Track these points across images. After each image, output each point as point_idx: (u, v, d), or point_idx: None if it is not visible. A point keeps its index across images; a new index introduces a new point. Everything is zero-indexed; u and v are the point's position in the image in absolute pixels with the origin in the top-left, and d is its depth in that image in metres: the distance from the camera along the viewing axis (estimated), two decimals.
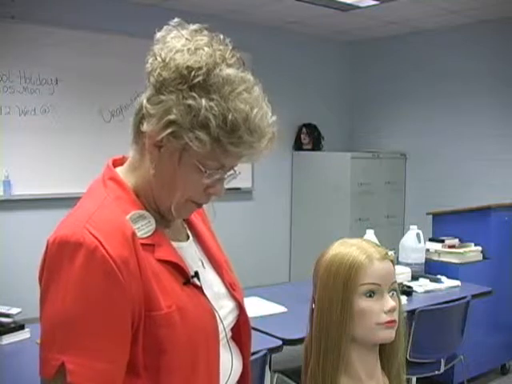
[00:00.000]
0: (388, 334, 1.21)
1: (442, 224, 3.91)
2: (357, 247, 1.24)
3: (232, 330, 1.20)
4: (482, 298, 3.28)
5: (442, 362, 3.02)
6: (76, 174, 4.69)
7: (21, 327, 2.24)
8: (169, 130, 0.98)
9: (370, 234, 3.18)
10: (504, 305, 3.86)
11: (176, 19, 1.05)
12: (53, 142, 4.64)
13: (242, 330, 1.21)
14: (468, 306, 3.06)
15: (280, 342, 2.33)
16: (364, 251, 1.22)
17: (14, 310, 2.29)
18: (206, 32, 1.04)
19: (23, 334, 2.23)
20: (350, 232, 5.36)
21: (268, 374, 2.32)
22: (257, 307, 2.73)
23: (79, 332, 0.94)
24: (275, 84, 5.80)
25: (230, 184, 1.13)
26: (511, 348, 3.98)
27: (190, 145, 0.98)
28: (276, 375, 2.72)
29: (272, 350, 2.27)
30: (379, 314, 1.20)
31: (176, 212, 1.07)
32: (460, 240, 3.78)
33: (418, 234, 3.54)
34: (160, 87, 1.00)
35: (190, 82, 0.97)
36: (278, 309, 2.76)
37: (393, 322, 1.21)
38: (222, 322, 1.10)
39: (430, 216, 4.02)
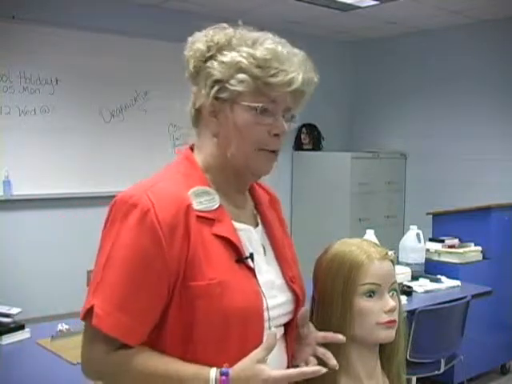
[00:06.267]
0: (388, 334, 1.21)
1: (442, 224, 3.91)
2: (357, 247, 1.24)
3: (285, 327, 1.18)
4: (482, 298, 3.28)
5: (442, 361, 3.01)
6: (76, 174, 4.69)
7: (21, 327, 2.24)
8: (215, 89, 1.08)
9: (369, 234, 3.17)
10: (504, 305, 3.86)
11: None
12: (53, 142, 4.64)
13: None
14: (468, 306, 3.06)
15: None
16: (364, 251, 1.23)
17: (14, 310, 2.28)
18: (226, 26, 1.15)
19: (23, 334, 2.23)
20: (350, 232, 5.35)
21: None
22: None
23: (114, 281, 1.01)
24: None
25: None
26: (511, 348, 3.98)
27: (236, 89, 1.06)
28: None
29: None
30: (379, 313, 1.20)
31: (254, 165, 1.12)
32: (460, 240, 3.78)
33: (417, 234, 3.54)
34: (196, 71, 1.12)
35: (217, 46, 1.09)
36: None
37: (393, 321, 1.21)
38: (267, 309, 1.09)
39: (430, 216, 4.02)
